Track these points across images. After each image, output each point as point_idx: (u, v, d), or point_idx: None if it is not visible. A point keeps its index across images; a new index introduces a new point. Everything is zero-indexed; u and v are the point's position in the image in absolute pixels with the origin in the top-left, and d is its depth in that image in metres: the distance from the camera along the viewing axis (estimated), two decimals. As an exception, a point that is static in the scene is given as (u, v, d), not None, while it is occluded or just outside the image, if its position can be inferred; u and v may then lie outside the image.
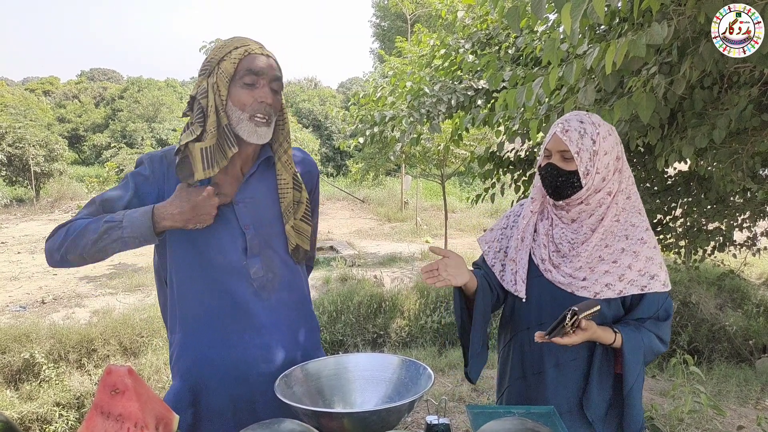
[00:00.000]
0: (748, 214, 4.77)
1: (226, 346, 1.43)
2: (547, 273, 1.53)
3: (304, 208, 1.52)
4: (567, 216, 1.53)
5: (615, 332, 1.46)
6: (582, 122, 1.47)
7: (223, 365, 1.43)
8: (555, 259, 1.53)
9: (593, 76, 2.32)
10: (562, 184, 1.47)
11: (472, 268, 1.76)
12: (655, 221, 4.73)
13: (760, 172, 3.86)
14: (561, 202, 1.51)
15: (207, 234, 1.41)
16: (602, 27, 2.76)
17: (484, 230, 1.82)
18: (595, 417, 1.52)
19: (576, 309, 1.33)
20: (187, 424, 1.42)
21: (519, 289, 1.57)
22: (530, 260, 1.59)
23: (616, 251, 1.49)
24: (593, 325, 1.42)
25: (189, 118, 1.40)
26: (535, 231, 1.60)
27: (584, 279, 1.49)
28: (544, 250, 1.55)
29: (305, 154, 1.63)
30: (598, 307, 1.38)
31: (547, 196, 1.57)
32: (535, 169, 1.58)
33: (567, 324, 1.34)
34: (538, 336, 1.39)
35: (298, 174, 1.52)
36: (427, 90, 3.96)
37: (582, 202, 1.49)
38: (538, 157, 1.57)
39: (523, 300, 1.57)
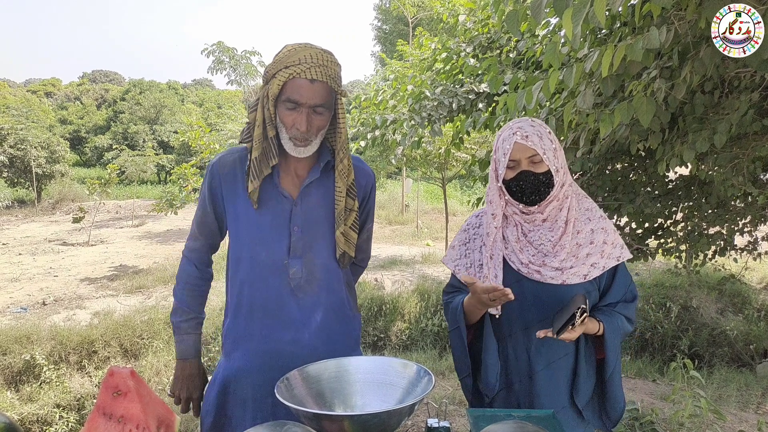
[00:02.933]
0: (749, 218, 4.76)
1: (258, 337, 1.53)
2: (534, 274, 1.54)
3: (354, 216, 1.57)
4: (540, 218, 1.55)
5: (599, 321, 1.51)
6: (533, 126, 1.52)
7: (253, 354, 1.54)
8: (537, 260, 1.55)
9: (593, 80, 2.33)
10: (539, 186, 1.50)
11: (449, 291, 1.77)
12: (655, 225, 4.73)
13: (761, 177, 3.87)
14: (534, 207, 1.52)
15: (256, 231, 1.51)
16: (603, 31, 2.77)
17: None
18: (583, 404, 1.56)
19: (584, 306, 1.39)
20: (218, 401, 1.55)
21: (496, 305, 1.57)
22: (506, 267, 1.59)
23: (587, 233, 1.56)
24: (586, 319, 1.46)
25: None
26: (503, 238, 1.60)
27: (572, 267, 1.53)
28: (522, 254, 1.56)
29: (360, 163, 1.65)
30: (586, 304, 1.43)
31: (511, 207, 1.57)
32: (496, 185, 1.56)
33: (577, 321, 1.38)
34: (542, 333, 1.43)
35: (353, 183, 1.56)
36: (428, 93, 3.97)
37: (553, 200, 1.53)
38: (496, 173, 1.56)
39: (497, 316, 1.57)
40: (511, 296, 1.41)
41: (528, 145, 1.47)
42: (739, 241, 5.29)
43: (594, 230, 1.56)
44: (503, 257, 1.58)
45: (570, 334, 1.40)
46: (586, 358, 1.56)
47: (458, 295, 1.70)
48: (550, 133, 1.52)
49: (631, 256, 1.62)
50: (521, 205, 1.54)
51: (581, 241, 1.54)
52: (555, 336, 1.40)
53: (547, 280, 1.53)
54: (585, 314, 1.39)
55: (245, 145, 1.54)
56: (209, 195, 1.57)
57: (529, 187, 1.50)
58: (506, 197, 1.56)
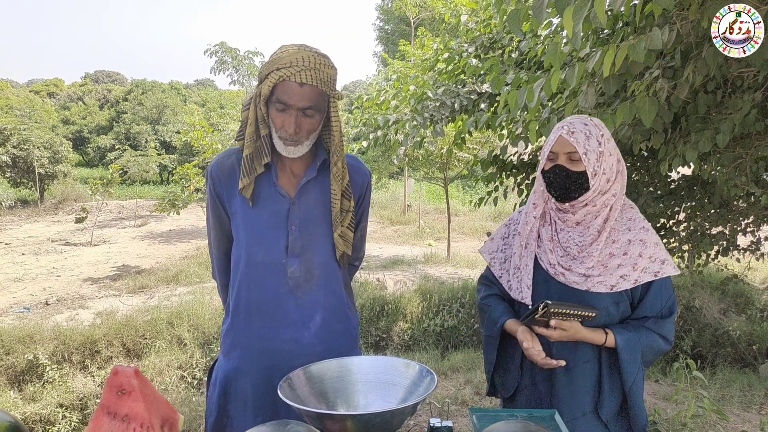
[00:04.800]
0: (751, 218, 4.75)
1: (258, 336, 1.53)
2: (559, 276, 1.54)
3: (351, 216, 1.58)
4: (572, 219, 1.54)
5: (606, 332, 1.49)
6: (586, 124, 1.49)
7: (252, 353, 1.54)
8: (565, 262, 1.54)
9: (595, 80, 2.32)
10: (570, 185, 1.48)
11: (484, 283, 1.79)
12: (658, 225, 4.72)
13: (764, 177, 3.85)
14: (566, 204, 1.51)
15: (253, 230, 1.51)
16: (605, 31, 2.77)
17: (488, 234, 1.84)
18: (609, 417, 1.54)
19: (549, 302, 1.39)
20: (219, 401, 1.55)
21: (525, 296, 1.57)
22: (537, 266, 1.59)
23: (623, 244, 1.52)
24: (575, 325, 1.45)
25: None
26: (538, 236, 1.60)
27: (599, 275, 1.50)
28: (551, 255, 1.55)
29: (357, 162, 1.65)
30: (593, 314, 1.42)
31: (550, 201, 1.57)
32: (538, 173, 1.58)
33: (538, 315, 1.40)
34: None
35: (349, 184, 1.56)
36: (430, 94, 3.97)
37: (587, 204, 1.50)
38: (540, 161, 1.57)
39: (529, 306, 1.57)
40: (562, 363, 1.49)
41: (570, 141, 1.45)
42: (742, 241, 5.28)
43: (631, 241, 1.51)
44: (535, 255, 1.59)
45: (548, 332, 1.44)
46: (609, 369, 1.54)
47: (495, 297, 1.72)
48: (602, 136, 1.48)
49: (676, 272, 1.53)
50: (553, 200, 1.54)
51: (614, 251, 1.51)
52: (521, 321, 1.49)
53: (571, 284, 1.52)
54: (546, 310, 1.39)
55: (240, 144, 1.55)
56: (217, 199, 1.57)
57: (558, 182, 1.49)
58: (542, 187, 1.56)
